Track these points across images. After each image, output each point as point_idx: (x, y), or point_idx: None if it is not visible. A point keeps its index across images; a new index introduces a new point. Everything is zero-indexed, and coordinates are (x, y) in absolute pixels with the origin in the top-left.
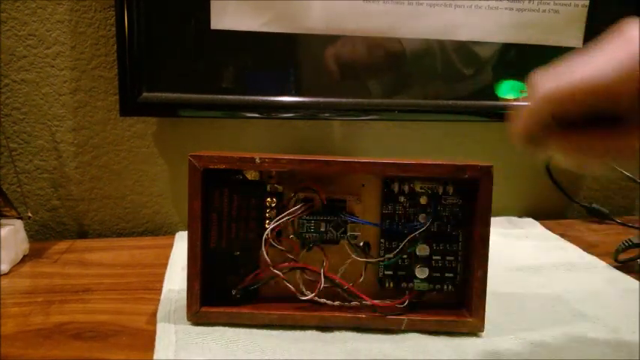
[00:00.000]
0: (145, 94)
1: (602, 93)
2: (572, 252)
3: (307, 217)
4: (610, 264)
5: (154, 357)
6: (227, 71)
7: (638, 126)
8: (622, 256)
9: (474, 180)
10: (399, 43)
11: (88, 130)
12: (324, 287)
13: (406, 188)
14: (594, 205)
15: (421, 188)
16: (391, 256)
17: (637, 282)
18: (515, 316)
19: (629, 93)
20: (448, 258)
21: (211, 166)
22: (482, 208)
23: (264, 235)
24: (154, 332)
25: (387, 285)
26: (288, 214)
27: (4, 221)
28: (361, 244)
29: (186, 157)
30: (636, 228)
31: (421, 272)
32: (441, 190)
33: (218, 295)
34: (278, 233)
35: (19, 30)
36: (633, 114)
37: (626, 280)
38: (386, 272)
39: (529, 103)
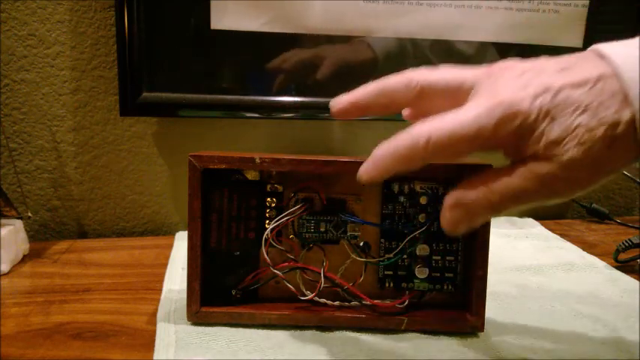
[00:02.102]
0: (144, 94)
1: (474, 136)
2: (572, 252)
3: (307, 217)
4: (610, 264)
5: (154, 357)
6: (227, 71)
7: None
8: (622, 256)
9: None
10: (399, 42)
11: (88, 130)
12: (324, 287)
13: (406, 188)
14: (594, 205)
15: (421, 188)
16: (391, 256)
17: (637, 282)
18: (515, 316)
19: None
20: (448, 258)
21: (211, 166)
22: None
23: (264, 235)
24: (154, 332)
25: (387, 285)
26: (288, 214)
27: (4, 221)
28: (361, 244)
29: (186, 157)
30: (636, 228)
31: (421, 272)
32: (441, 190)
33: (218, 295)
34: (278, 233)
35: (19, 30)
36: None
37: (626, 280)
38: (386, 272)
39: (404, 147)
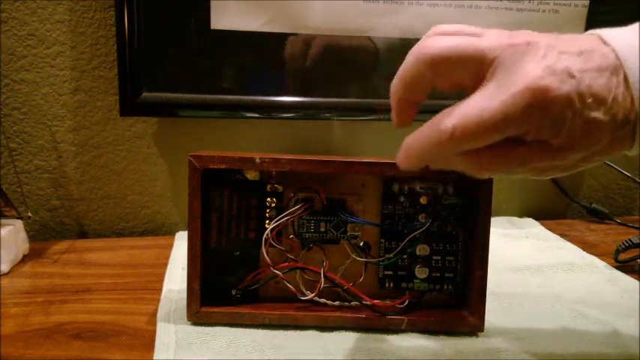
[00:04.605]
0: (144, 94)
1: (502, 125)
2: (572, 252)
3: (307, 217)
4: (610, 264)
5: (154, 357)
6: (227, 71)
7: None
8: (622, 256)
9: (474, 180)
10: (400, 42)
11: (88, 130)
12: (324, 287)
13: (406, 188)
14: (594, 205)
15: (421, 188)
16: (391, 256)
17: (637, 282)
18: (515, 316)
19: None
20: (448, 258)
21: (211, 166)
22: (483, 208)
23: (264, 235)
24: (154, 332)
25: (387, 285)
26: (288, 214)
27: (4, 221)
28: (361, 244)
29: (186, 157)
30: (636, 228)
31: (421, 272)
32: (441, 190)
33: (218, 295)
34: (278, 233)
35: (19, 30)
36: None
37: (626, 280)
38: (386, 272)
39: (431, 139)
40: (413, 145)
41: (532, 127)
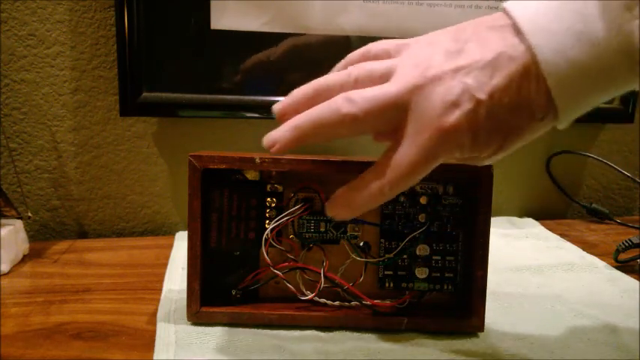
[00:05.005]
0: (144, 94)
1: (425, 168)
2: (572, 252)
3: (307, 217)
4: (610, 264)
5: (154, 357)
6: (227, 71)
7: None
8: (622, 256)
9: (474, 180)
10: None
11: (88, 130)
12: (324, 287)
13: None
14: (594, 205)
15: (421, 188)
16: (391, 256)
17: (637, 282)
18: (515, 316)
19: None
20: (448, 258)
21: (211, 166)
22: (483, 208)
23: (264, 235)
24: (154, 332)
25: (387, 285)
26: (288, 214)
27: (4, 221)
28: (361, 244)
29: (186, 157)
30: (636, 228)
31: (421, 272)
32: (441, 190)
33: (218, 295)
34: (278, 233)
35: (19, 30)
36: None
37: (626, 280)
38: (386, 272)
39: (368, 198)
40: (356, 201)
41: (453, 157)
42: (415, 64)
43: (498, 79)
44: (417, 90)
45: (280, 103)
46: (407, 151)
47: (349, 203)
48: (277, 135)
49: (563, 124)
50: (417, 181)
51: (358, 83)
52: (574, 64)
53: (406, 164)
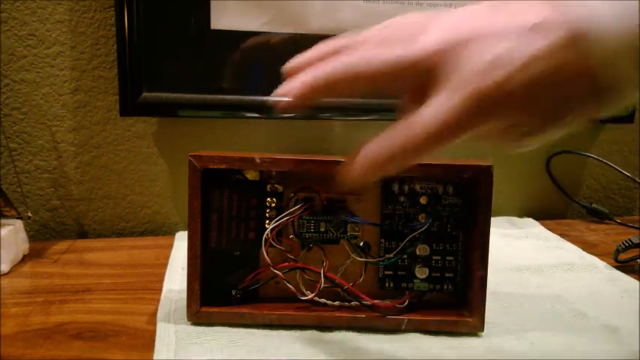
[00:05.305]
0: (144, 94)
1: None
2: (572, 252)
3: (307, 217)
4: (610, 264)
5: (154, 357)
6: (227, 71)
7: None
8: (622, 256)
9: (474, 180)
10: None
11: (88, 130)
12: (324, 287)
13: (406, 188)
14: (594, 205)
15: (421, 188)
16: (391, 256)
17: (637, 282)
18: (515, 316)
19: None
20: (448, 258)
21: (211, 166)
22: (483, 208)
23: (264, 235)
24: (154, 332)
25: (387, 285)
26: (288, 214)
27: (4, 221)
28: (361, 244)
29: (186, 157)
30: (636, 228)
31: (421, 272)
32: (441, 190)
33: (218, 295)
34: (278, 233)
35: (19, 30)
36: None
37: (626, 280)
38: (386, 272)
39: (404, 141)
40: (381, 151)
41: (490, 131)
42: (452, 24)
43: (541, 43)
44: (456, 48)
45: (292, 60)
46: (441, 106)
47: (381, 154)
48: (287, 88)
49: (614, 107)
50: (448, 143)
51: (384, 40)
52: (630, 35)
53: (443, 117)
